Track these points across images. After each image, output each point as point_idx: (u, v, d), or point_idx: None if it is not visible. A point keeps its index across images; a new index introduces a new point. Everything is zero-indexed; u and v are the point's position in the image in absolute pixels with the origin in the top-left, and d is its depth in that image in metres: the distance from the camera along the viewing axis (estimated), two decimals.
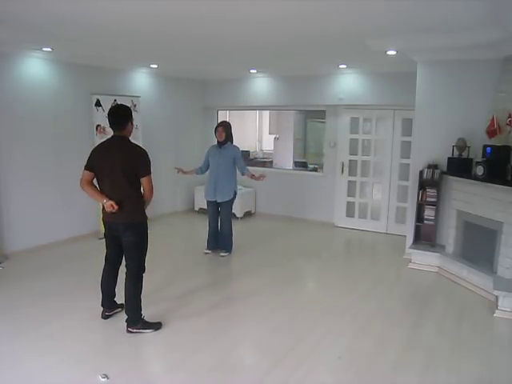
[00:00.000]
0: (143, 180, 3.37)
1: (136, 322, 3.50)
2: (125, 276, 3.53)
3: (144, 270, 3.56)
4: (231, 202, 5.48)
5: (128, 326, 3.51)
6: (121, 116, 3.41)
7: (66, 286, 4.49)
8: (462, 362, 3.18)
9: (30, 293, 4.29)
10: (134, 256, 3.48)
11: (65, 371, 2.99)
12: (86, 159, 3.45)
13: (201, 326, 3.70)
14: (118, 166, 3.30)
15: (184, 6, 3.26)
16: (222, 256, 5.51)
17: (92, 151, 3.48)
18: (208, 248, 5.65)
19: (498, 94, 4.54)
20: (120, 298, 3.67)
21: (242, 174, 5.50)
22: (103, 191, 3.39)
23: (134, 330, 3.49)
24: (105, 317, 3.74)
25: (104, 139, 5.96)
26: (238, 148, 5.48)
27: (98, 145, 3.59)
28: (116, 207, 3.30)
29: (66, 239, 5.94)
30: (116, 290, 3.75)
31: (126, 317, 3.53)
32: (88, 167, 3.42)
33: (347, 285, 4.67)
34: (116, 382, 2.88)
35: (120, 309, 3.81)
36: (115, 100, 6.24)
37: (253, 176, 5.45)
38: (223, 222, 5.50)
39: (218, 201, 5.39)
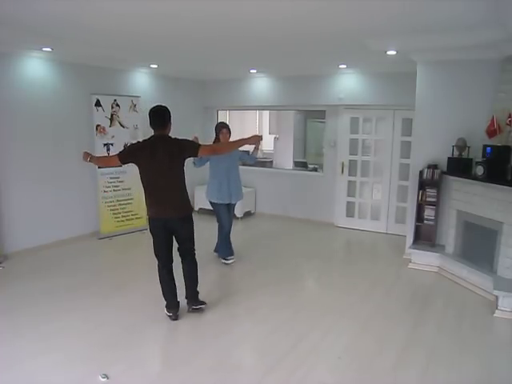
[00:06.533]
0: (202, 151, 3.51)
1: (197, 298, 3.83)
2: (182, 260, 3.79)
3: None
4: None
5: (193, 304, 3.81)
6: (164, 116, 3.64)
7: (66, 285, 4.49)
8: (461, 362, 3.18)
9: (30, 293, 4.29)
10: (191, 240, 3.81)
11: (65, 371, 2.99)
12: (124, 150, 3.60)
13: (201, 325, 3.70)
14: (168, 162, 3.43)
15: (184, 5, 3.26)
16: (229, 263, 5.26)
17: (133, 148, 3.56)
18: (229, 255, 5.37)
19: (498, 94, 4.55)
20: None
21: (255, 161, 5.64)
22: (152, 191, 3.50)
23: (198, 306, 3.82)
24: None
25: (104, 138, 6.16)
26: None
27: (140, 143, 3.62)
28: (88, 157, 3.50)
29: (66, 239, 5.93)
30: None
31: (187, 297, 3.81)
32: (121, 157, 3.50)
33: (347, 285, 4.67)
34: (116, 381, 2.88)
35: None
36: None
37: (255, 149, 5.27)
38: (231, 224, 5.32)
39: (233, 202, 5.31)
